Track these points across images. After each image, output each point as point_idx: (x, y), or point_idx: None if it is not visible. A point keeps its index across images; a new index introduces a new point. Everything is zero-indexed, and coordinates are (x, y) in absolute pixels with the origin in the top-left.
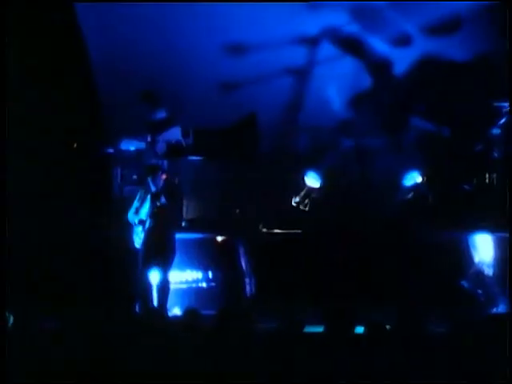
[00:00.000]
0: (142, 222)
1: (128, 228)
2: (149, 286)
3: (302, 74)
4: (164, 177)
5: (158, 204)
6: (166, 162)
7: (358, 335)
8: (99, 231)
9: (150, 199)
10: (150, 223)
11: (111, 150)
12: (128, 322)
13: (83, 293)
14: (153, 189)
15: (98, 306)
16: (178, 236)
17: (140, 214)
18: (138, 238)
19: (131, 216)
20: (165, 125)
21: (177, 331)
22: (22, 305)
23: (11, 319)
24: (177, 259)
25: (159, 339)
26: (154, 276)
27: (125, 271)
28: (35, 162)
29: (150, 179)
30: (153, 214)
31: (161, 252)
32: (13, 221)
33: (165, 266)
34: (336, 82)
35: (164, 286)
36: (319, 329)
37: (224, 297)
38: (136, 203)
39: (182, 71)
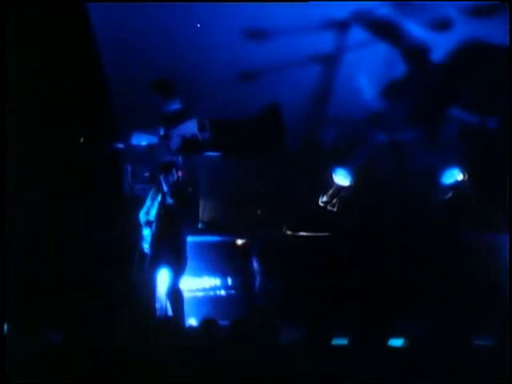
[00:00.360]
0: (150, 224)
1: (139, 229)
2: (158, 294)
3: (330, 61)
4: (178, 174)
5: (170, 204)
6: (180, 159)
7: (395, 348)
8: (107, 232)
9: (161, 199)
10: (159, 225)
11: (121, 146)
12: (139, 332)
13: (88, 300)
14: (165, 188)
15: (106, 314)
16: (194, 239)
17: (150, 214)
18: (146, 241)
19: (142, 216)
20: (179, 117)
21: (193, 343)
22: (22, 314)
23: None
24: (193, 264)
25: (173, 352)
26: (164, 283)
27: (134, 277)
28: (39, 158)
29: (162, 177)
30: (163, 215)
31: (171, 257)
32: (14, 222)
33: (175, 272)
34: (367, 70)
35: (176, 295)
36: (343, 341)
37: (244, 306)
38: (148, 203)
39: (198, 58)
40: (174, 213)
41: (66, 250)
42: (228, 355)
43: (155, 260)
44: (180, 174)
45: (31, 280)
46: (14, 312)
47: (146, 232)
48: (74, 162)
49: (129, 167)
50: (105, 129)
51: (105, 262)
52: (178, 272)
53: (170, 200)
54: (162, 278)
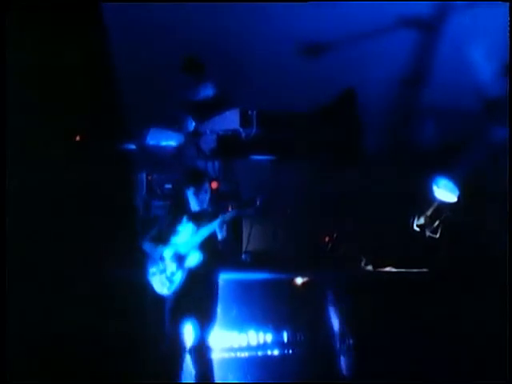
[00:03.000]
0: (178, 258)
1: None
2: (182, 351)
3: (427, 30)
4: (214, 187)
5: (202, 230)
6: (216, 165)
7: None
8: (115, 269)
9: (191, 221)
10: (190, 259)
11: (133, 147)
12: None
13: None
14: (196, 206)
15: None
16: (234, 276)
17: (169, 241)
18: (165, 280)
19: (151, 244)
20: (214, 107)
21: None
22: None
23: None
24: (232, 313)
25: None
26: (189, 337)
27: (148, 328)
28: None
29: (191, 191)
30: (195, 245)
31: (201, 302)
32: None
33: (205, 322)
34: (483, 40)
35: (201, 354)
36: None
37: (307, 370)
38: (161, 225)
39: (240, 27)
40: (208, 243)
41: (61, 291)
42: None
43: (177, 309)
44: (215, 186)
45: None
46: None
47: (161, 267)
48: (67, 168)
49: (144, 177)
50: (110, 123)
51: (104, 313)
52: (210, 322)
53: (202, 225)
54: (186, 333)
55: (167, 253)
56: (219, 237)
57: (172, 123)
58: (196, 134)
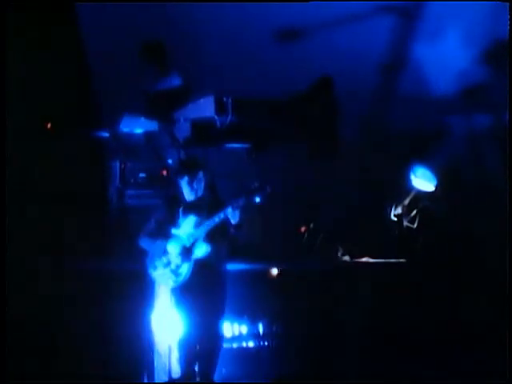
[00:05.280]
0: (183, 250)
1: (139, 258)
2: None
3: (404, 17)
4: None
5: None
6: (190, 153)
7: None
8: (87, 263)
9: (191, 212)
10: (197, 250)
11: (106, 134)
12: None
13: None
14: (191, 196)
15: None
16: None
17: (169, 234)
18: (171, 273)
19: (149, 238)
20: (184, 94)
21: None
22: None
23: None
24: None
25: None
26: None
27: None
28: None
29: (185, 180)
30: (200, 236)
31: (210, 292)
32: None
33: (217, 314)
34: (462, 24)
35: (213, 346)
36: None
37: (284, 362)
38: (157, 217)
39: (215, 13)
40: (215, 233)
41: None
42: None
43: (185, 300)
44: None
45: None
46: None
47: (164, 261)
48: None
49: (117, 165)
50: (83, 110)
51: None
52: (221, 314)
53: (203, 215)
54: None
55: (170, 246)
56: (233, 222)
57: (146, 111)
58: (169, 122)
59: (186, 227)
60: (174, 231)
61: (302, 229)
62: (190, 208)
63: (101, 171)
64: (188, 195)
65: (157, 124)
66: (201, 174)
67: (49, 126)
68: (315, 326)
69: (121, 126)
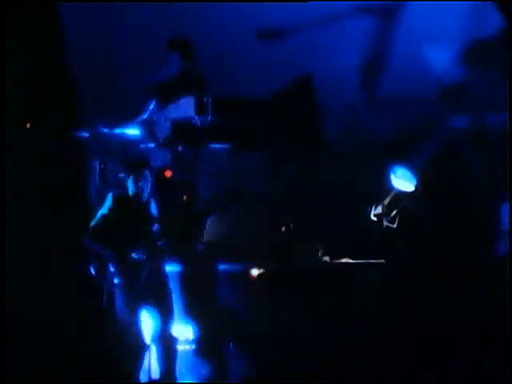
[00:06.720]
0: (139, 250)
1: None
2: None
3: (385, 18)
4: (168, 175)
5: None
6: (171, 153)
7: None
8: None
9: (142, 212)
10: (152, 250)
11: (86, 134)
12: None
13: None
14: (139, 196)
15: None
16: (186, 269)
17: (123, 233)
18: (128, 272)
19: (98, 237)
20: (166, 94)
21: None
22: None
23: None
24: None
25: None
26: (149, 329)
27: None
28: None
29: (131, 179)
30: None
31: (158, 294)
32: None
33: (164, 313)
34: (439, 25)
35: (167, 345)
36: None
37: (264, 361)
38: (105, 217)
39: (197, 11)
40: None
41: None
42: None
43: (138, 300)
44: (169, 174)
45: None
46: None
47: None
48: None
49: (97, 165)
50: (63, 110)
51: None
52: (167, 313)
53: (152, 211)
54: (146, 323)
55: (124, 245)
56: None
57: (126, 111)
58: (151, 122)
59: (142, 225)
60: (128, 230)
61: (282, 229)
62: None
63: (81, 171)
64: (133, 194)
65: (137, 125)
66: (146, 173)
67: (28, 125)
68: (293, 326)
69: (101, 126)
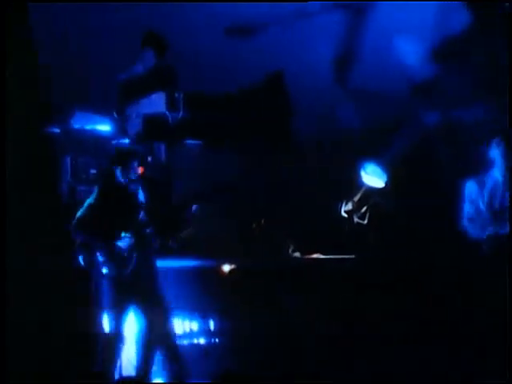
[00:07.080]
0: (125, 243)
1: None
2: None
3: (356, 14)
4: (140, 170)
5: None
6: (143, 150)
7: None
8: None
9: (128, 204)
10: (139, 243)
11: (57, 130)
12: None
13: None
14: (127, 188)
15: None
16: (160, 264)
17: (108, 226)
18: (114, 266)
19: (86, 229)
20: (138, 90)
21: None
22: None
23: None
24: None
25: None
26: (135, 326)
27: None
28: None
29: (119, 171)
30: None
31: (144, 286)
32: None
33: (151, 308)
34: (410, 23)
35: (149, 341)
36: None
37: (235, 358)
38: (92, 209)
39: (167, 8)
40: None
41: None
42: None
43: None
44: (141, 171)
45: None
46: None
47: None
48: None
49: (68, 160)
50: (33, 105)
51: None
52: (154, 307)
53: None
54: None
55: (112, 234)
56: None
57: (98, 107)
58: (122, 118)
59: (127, 219)
60: (113, 223)
61: (253, 225)
62: (129, 200)
63: (52, 167)
64: (121, 184)
65: (108, 120)
66: (135, 165)
67: None
68: (266, 324)
69: (72, 122)
